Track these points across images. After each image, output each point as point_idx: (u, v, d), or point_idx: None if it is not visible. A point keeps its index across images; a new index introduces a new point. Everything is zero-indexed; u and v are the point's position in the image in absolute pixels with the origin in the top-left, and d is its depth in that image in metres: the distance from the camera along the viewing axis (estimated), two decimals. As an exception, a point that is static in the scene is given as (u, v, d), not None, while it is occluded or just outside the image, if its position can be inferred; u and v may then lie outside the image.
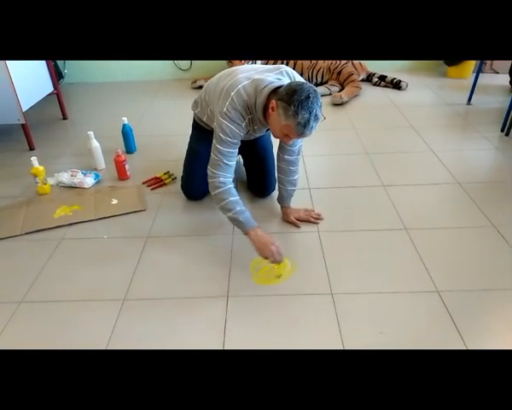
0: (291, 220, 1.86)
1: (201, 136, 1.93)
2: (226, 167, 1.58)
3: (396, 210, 1.91)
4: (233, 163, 1.60)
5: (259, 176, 2.04)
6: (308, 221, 1.86)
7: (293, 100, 1.37)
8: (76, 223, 1.92)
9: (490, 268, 1.58)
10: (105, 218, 1.95)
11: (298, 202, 1.95)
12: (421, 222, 1.83)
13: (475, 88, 3.05)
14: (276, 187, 1.99)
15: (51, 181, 2.22)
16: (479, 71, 3.05)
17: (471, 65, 3.57)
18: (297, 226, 1.84)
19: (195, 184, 2.01)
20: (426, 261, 1.62)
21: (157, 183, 2.21)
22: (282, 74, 1.59)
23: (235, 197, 1.59)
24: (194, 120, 1.97)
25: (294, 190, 1.86)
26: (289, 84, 1.44)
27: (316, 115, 1.39)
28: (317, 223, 1.86)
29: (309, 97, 1.37)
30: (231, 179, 1.61)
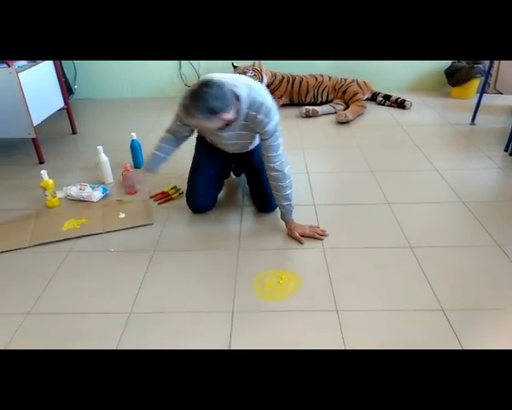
0: (295, 236, 1.87)
1: (203, 148, 2.02)
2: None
3: (401, 228, 1.93)
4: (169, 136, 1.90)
5: (260, 194, 2.07)
6: (313, 237, 1.88)
7: None
8: (84, 236, 1.95)
9: (495, 287, 1.59)
10: (112, 231, 1.98)
11: (303, 218, 1.97)
12: (425, 240, 1.84)
13: (479, 108, 3.09)
14: None
15: (60, 194, 2.25)
16: (482, 91, 3.09)
17: (474, 85, 3.61)
18: (300, 243, 1.86)
19: (199, 196, 2.05)
20: (430, 279, 1.62)
21: (164, 197, 2.24)
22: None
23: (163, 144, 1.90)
24: (197, 132, 2.03)
25: (291, 204, 1.86)
26: None
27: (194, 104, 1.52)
28: (321, 239, 1.87)
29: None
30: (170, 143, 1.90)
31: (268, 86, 3.53)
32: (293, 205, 1.87)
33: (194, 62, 3.82)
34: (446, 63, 3.69)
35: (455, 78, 3.61)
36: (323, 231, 1.90)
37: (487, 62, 3.29)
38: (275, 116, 1.70)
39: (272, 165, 1.77)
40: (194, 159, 2.09)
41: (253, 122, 1.71)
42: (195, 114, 1.53)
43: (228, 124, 1.70)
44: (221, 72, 1.88)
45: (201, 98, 1.50)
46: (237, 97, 1.63)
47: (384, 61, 3.73)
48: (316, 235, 1.88)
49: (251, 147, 1.95)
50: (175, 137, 1.91)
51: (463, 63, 3.61)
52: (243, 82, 1.70)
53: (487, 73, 3.23)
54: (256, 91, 1.69)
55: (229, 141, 1.86)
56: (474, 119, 3.13)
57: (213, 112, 1.52)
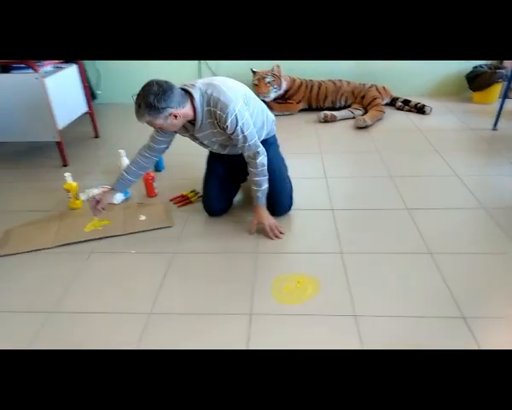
0: (253, 222, 1.96)
1: (211, 154, 2.09)
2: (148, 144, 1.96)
3: (420, 234, 1.91)
4: (144, 153, 1.96)
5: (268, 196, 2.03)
6: (266, 234, 1.93)
7: None
8: (105, 237, 1.99)
9: (517, 295, 1.56)
10: (133, 233, 2.02)
11: (320, 223, 1.99)
12: (445, 246, 1.82)
13: (501, 113, 3.04)
14: (293, 207, 2.12)
15: (82, 196, 2.31)
16: (505, 96, 3.04)
17: (496, 90, 3.55)
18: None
19: (212, 199, 2.11)
20: (451, 286, 1.60)
21: (183, 200, 2.28)
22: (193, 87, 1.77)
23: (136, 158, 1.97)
24: None
25: (259, 190, 1.89)
26: None
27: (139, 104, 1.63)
28: (271, 238, 1.92)
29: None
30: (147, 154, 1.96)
31: (287, 91, 3.56)
32: (262, 192, 1.90)
33: (213, 67, 3.86)
34: (467, 68, 3.65)
35: (476, 83, 3.56)
36: (280, 233, 1.94)
37: (510, 67, 3.23)
38: (233, 111, 1.73)
39: (245, 153, 1.85)
40: (206, 165, 2.16)
41: (215, 118, 1.77)
42: (140, 111, 1.64)
43: (191, 122, 1.81)
44: (239, 76, 1.92)
45: (141, 96, 1.62)
46: (191, 95, 1.73)
47: (403, 64, 3.72)
48: (269, 233, 1.92)
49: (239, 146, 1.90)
50: (151, 151, 1.96)
51: (485, 68, 3.56)
52: (206, 82, 1.79)
53: (510, 78, 3.17)
54: (216, 88, 1.75)
55: (209, 140, 1.91)
56: (496, 124, 3.07)
57: (155, 107, 1.61)
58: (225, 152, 1.99)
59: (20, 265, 1.85)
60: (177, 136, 1.96)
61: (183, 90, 1.74)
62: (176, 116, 1.69)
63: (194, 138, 1.93)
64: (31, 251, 1.92)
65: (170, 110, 1.65)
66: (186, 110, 1.72)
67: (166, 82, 1.66)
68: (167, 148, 2.01)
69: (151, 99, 1.60)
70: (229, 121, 1.73)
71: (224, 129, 1.78)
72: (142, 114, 1.65)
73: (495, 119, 3.07)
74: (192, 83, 1.78)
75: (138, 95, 1.64)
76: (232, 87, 1.81)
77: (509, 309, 1.50)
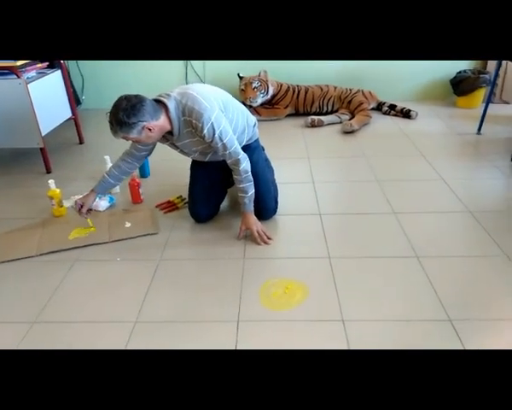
0: (241, 228, 1.95)
1: (195, 160, 2.07)
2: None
3: (407, 238, 1.92)
4: (126, 158, 1.97)
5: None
6: (254, 240, 1.92)
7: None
8: (90, 245, 1.96)
9: (503, 297, 1.57)
10: (118, 240, 1.99)
11: (308, 228, 1.98)
12: (432, 250, 1.83)
13: (485, 118, 3.08)
14: (280, 212, 2.11)
15: (67, 203, 2.26)
16: (488, 101, 3.09)
17: (480, 95, 3.61)
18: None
19: (198, 205, 2.09)
20: (437, 290, 1.61)
21: (169, 206, 2.25)
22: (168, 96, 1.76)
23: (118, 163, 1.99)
24: None
25: (246, 196, 1.88)
26: None
27: (111, 122, 1.63)
28: (259, 244, 1.91)
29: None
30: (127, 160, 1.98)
31: (274, 96, 3.56)
32: (249, 198, 1.89)
33: (200, 73, 3.85)
34: (451, 73, 3.70)
35: (460, 88, 3.61)
36: (268, 238, 1.93)
37: (493, 72, 3.29)
38: (209, 120, 1.71)
39: (228, 161, 1.84)
40: (190, 171, 2.14)
41: (193, 127, 1.76)
42: (113, 128, 1.64)
43: (170, 133, 1.78)
44: (226, 81, 1.91)
45: (112, 113, 1.62)
46: (165, 106, 1.72)
47: (389, 69, 3.76)
48: (257, 239, 1.91)
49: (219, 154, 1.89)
50: (133, 157, 1.97)
51: (469, 73, 3.61)
52: (182, 91, 1.77)
53: (493, 83, 3.23)
54: (190, 97, 1.74)
55: (189, 149, 1.90)
56: (480, 128, 3.12)
57: (125, 123, 1.60)
58: (207, 159, 1.97)
59: (2, 274, 1.80)
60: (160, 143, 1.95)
61: (159, 101, 1.72)
62: (150, 129, 1.68)
63: (175, 147, 1.92)
64: (13, 260, 1.87)
65: (142, 124, 1.63)
66: (161, 122, 1.71)
67: (137, 96, 1.65)
68: (149, 154, 2.02)
69: (120, 115, 1.59)
70: (205, 130, 1.72)
71: (203, 138, 1.77)
72: (115, 131, 1.64)
73: (479, 123, 3.12)
74: (168, 93, 1.76)
75: (110, 112, 1.63)
76: (208, 94, 1.79)
77: (496, 311, 1.51)
